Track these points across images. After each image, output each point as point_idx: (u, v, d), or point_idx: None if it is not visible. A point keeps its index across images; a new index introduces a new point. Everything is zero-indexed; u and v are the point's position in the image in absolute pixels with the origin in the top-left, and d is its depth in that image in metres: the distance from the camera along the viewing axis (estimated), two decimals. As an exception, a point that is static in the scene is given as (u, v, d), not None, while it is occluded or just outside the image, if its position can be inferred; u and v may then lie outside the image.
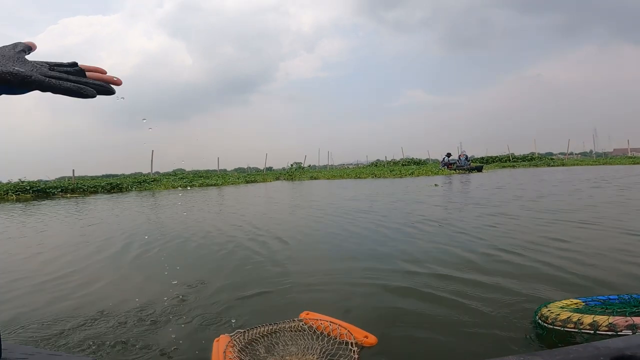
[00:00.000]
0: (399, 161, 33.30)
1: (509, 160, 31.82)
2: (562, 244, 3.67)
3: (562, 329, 1.72)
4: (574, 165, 25.75)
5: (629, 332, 1.46)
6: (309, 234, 4.98)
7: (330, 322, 1.94)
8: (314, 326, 1.95)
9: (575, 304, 2.02)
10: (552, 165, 26.06)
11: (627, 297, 1.97)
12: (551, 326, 1.78)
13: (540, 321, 1.88)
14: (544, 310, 1.91)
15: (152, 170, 24.87)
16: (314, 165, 37.05)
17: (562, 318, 1.74)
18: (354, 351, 1.68)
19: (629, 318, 1.54)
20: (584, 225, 4.58)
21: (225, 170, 30.17)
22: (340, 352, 1.70)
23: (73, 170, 20.52)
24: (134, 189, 18.54)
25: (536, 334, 1.88)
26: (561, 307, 1.94)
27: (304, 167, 28.92)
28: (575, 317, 1.70)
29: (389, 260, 3.44)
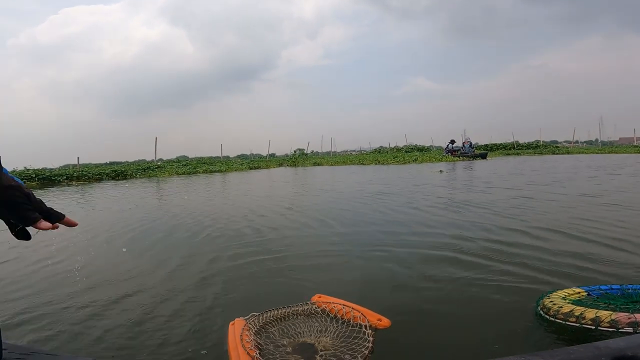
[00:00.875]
0: (402, 148, 33.15)
1: (514, 147, 31.59)
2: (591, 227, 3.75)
3: (564, 322, 1.74)
4: (579, 153, 25.54)
5: (630, 329, 1.48)
6: (349, 216, 5.05)
7: (343, 305, 1.96)
8: (327, 309, 1.98)
9: (578, 293, 2.03)
10: (557, 153, 25.87)
11: (630, 289, 1.98)
12: (553, 319, 1.80)
13: (542, 312, 1.90)
14: (546, 301, 1.92)
15: (155, 158, 24.89)
16: (317, 152, 36.97)
17: (565, 311, 1.76)
18: (368, 334, 1.69)
19: (631, 315, 1.55)
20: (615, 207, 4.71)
21: (228, 157, 30.16)
22: (354, 334, 1.72)
23: (78, 158, 20.60)
24: (138, 176, 18.60)
25: (538, 326, 1.90)
26: (563, 298, 1.96)
27: (307, 154, 28.87)
28: (578, 311, 1.72)
29: (407, 242, 3.56)
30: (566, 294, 2.01)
